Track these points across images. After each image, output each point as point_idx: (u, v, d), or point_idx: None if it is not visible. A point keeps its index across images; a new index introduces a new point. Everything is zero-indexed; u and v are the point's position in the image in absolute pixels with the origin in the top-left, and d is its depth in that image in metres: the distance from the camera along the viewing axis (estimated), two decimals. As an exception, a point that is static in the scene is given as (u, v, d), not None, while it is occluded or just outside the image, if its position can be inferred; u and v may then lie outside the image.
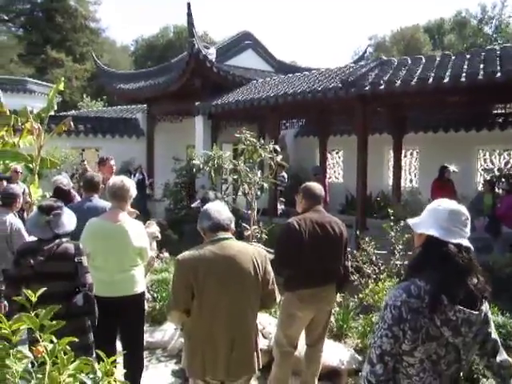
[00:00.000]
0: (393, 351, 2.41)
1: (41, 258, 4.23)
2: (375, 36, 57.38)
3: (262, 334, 6.03)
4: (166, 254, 9.38)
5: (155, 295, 7.49)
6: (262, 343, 5.60)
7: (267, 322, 6.35)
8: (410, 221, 2.68)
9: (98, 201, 6.05)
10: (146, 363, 5.87)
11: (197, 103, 14.97)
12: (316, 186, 5.14)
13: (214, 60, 14.51)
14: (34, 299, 2.14)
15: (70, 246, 4.37)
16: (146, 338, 6.09)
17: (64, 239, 4.40)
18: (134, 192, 5.14)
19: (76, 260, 4.30)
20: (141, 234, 5.11)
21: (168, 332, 6.85)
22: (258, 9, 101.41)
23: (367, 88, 10.15)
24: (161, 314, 7.12)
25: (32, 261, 4.20)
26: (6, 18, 47.82)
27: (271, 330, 6.09)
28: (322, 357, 5.33)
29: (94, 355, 4.81)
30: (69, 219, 4.52)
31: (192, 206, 6.32)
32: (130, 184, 5.14)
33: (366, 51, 24.83)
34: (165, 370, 6.16)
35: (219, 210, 3.82)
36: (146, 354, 5.88)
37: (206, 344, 3.62)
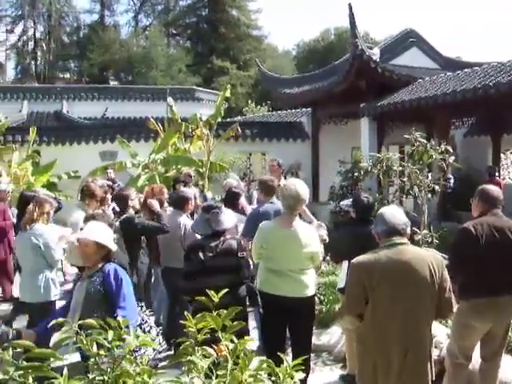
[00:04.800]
0: None
1: (209, 253, 4.60)
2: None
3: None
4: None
5: (322, 298, 7.47)
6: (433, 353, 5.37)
7: (437, 331, 6.07)
8: None
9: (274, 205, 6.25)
10: (312, 366, 5.85)
11: (362, 105, 14.77)
12: (493, 189, 4.87)
13: (377, 60, 14.22)
14: (216, 299, 2.21)
15: (234, 243, 4.76)
16: (313, 340, 6.08)
17: (228, 236, 4.78)
18: (306, 196, 5.06)
19: (239, 255, 4.69)
20: (313, 238, 5.04)
21: (335, 335, 6.79)
22: (419, 4, 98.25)
23: (546, 81, 9.41)
24: (328, 317, 7.11)
25: (202, 256, 4.58)
26: (174, 32, 51.60)
27: (442, 340, 5.83)
28: (499, 373, 4.97)
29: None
30: (227, 218, 4.89)
31: (341, 204, 6.25)
32: (302, 189, 4.96)
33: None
34: (331, 374, 6.11)
35: (395, 214, 3.72)
36: (311, 356, 5.86)
37: (378, 350, 3.55)
